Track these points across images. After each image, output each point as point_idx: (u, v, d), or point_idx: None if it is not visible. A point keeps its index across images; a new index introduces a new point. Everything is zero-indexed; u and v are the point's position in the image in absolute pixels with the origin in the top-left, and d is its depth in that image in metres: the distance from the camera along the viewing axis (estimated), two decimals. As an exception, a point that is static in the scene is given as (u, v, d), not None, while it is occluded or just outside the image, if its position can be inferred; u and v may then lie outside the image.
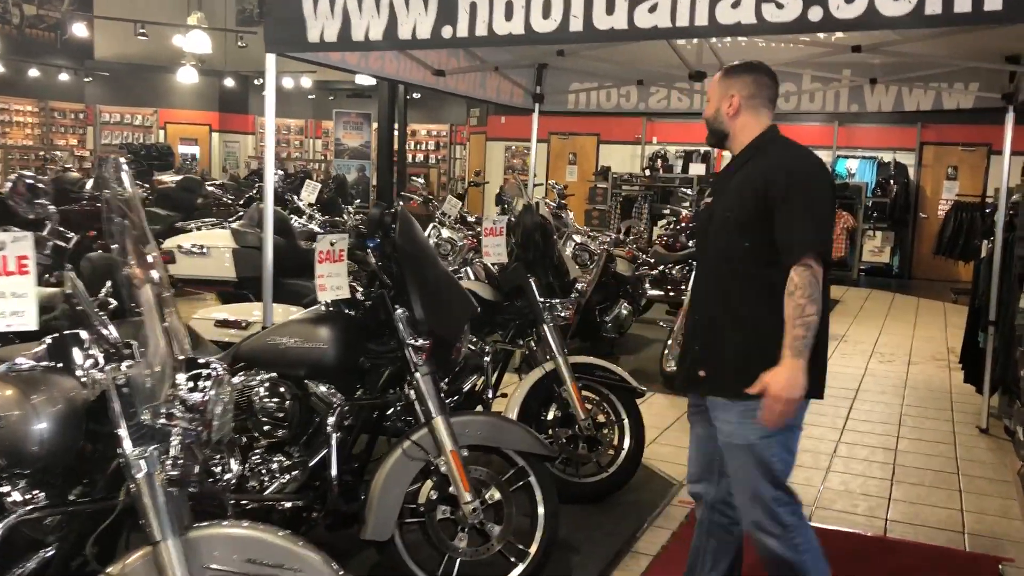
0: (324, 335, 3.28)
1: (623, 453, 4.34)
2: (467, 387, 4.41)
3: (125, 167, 2.34)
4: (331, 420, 3.14)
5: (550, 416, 4.32)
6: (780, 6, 3.12)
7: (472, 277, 4.81)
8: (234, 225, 5.61)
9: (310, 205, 8.74)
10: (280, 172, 10.47)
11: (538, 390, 4.27)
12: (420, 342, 3.14)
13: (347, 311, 3.39)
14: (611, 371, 4.40)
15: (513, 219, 4.53)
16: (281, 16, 4.04)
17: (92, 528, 2.22)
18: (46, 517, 2.18)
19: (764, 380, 2.53)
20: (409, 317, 3.16)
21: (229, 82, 20.05)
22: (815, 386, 2.63)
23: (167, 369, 2.18)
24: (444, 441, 3.10)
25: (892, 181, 13.94)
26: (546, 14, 3.50)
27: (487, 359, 4.24)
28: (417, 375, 3.15)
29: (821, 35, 5.21)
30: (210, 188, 11.09)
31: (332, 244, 3.12)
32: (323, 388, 3.27)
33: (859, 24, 3.04)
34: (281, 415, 3.27)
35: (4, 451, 2.05)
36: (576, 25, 3.46)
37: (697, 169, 14.93)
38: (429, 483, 3.20)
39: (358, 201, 13.08)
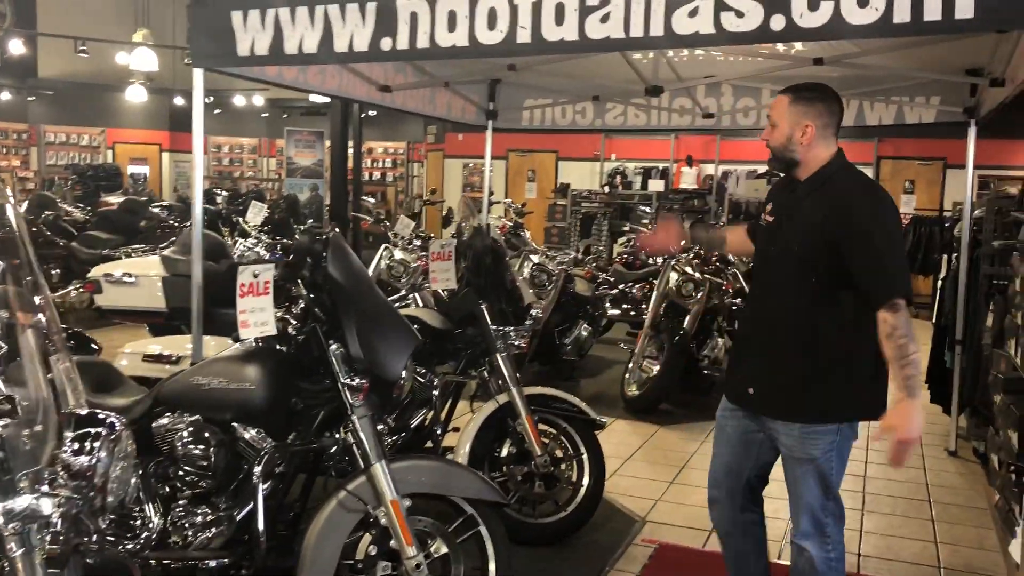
0: (252, 374, 3.00)
1: (582, 490, 4.09)
2: (416, 422, 4.14)
3: (11, 197, 2.07)
4: (257, 469, 2.85)
5: (504, 452, 4.06)
6: (740, 15, 2.91)
7: (421, 303, 4.55)
8: (165, 252, 5.28)
9: (258, 227, 8.41)
10: (225, 192, 10.11)
11: (491, 425, 4.02)
12: (356, 381, 2.86)
13: (278, 347, 3.11)
14: (569, 402, 4.15)
15: (463, 241, 4.28)
16: (209, 29, 3.76)
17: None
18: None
19: (889, 424, 2.53)
20: (344, 353, 2.89)
21: (179, 100, 19.56)
22: (880, 406, 2.71)
23: (51, 427, 1.89)
24: (383, 490, 2.83)
25: (850, 196, 13.93)
26: (492, 25, 3.27)
27: (435, 392, 3.98)
28: (354, 417, 2.88)
29: (781, 47, 5.05)
30: (155, 210, 10.67)
31: (255, 276, 2.84)
32: (252, 433, 3.00)
33: (824, 33, 2.84)
34: (206, 463, 2.98)
35: None
36: (524, 36, 3.23)
37: (656, 185, 14.81)
38: (368, 536, 2.91)
39: (311, 221, 12.73)
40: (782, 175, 2.97)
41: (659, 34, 3.05)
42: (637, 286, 8.31)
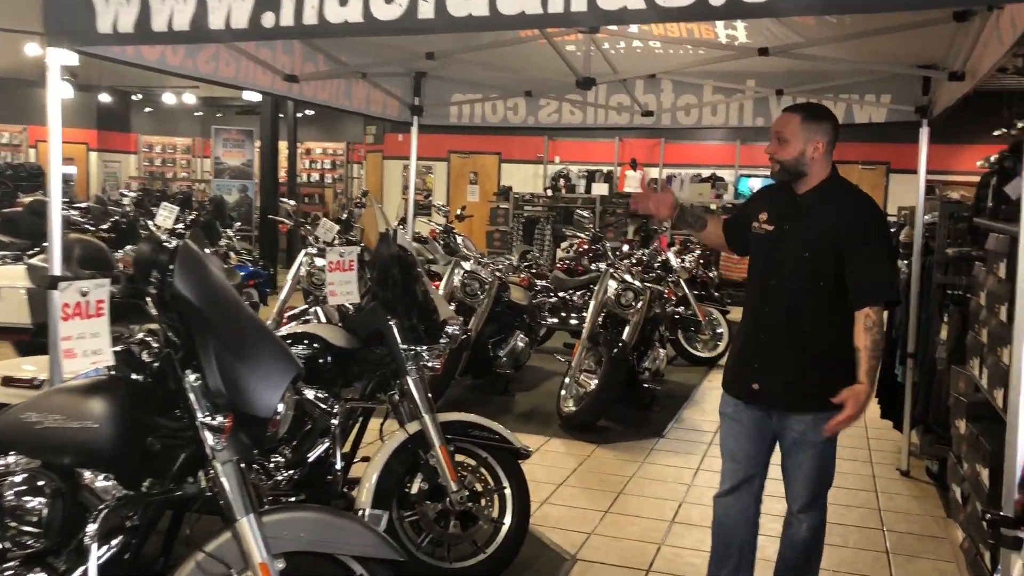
0: (96, 410, 2.47)
1: (504, 528, 3.65)
2: (315, 454, 3.65)
3: None
4: (91, 527, 2.34)
5: (415, 488, 3.59)
6: (675, -12, 2.49)
7: (323, 319, 4.06)
8: (33, 260, 4.70)
9: (173, 231, 7.83)
10: (131, 194, 9.45)
11: (401, 456, 3.55)
12: (217, 420, 2.37)
13: (133, 377, 2.60)
14: (490, 430, 3.71)
15: (365, 249, 3.80)
16: (64, 2, 3.23)
17: None
18: None
19: (845, 396, 2.82)
20: (204, 386, 2.40)
21: (106, 97, 18.70)
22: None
23: None
24: (251, 550, 2.34)
25: (795, 200, 13.73)
26: (389, -2, 2.80)
27: (334, 421, 3.50)
28: (215, 463, 2.39)
29: (724, 38, 4.67)
30: (71, 212, 9.96)
31: (84, 294, 2.33)
32: (99, 480, 2.49)
33: (771, 9, 2.44)
34: (37, 518, 2.47)
35: None
36: (426, 11, 2.77)
37: (600, 189, 14.49)
38: (232, 607, 2.43)
39: (238, 224, 12.12)
40: (768, 185, 3.25)
41: (582, 9, 2.61)
42: (578, 293, 7.92)
